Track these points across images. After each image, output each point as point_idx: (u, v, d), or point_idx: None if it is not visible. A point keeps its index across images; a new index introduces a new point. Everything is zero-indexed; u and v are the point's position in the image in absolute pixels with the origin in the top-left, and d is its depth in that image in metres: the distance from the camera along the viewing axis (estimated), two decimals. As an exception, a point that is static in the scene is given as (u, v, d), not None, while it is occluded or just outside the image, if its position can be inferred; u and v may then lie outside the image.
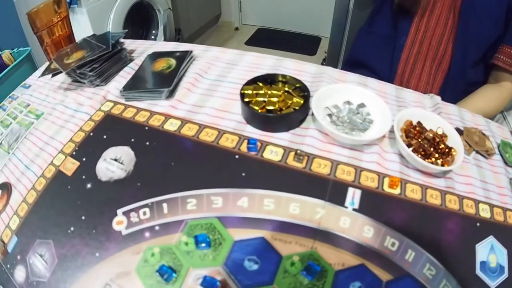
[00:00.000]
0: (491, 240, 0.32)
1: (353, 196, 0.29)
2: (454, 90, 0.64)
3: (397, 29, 0.64)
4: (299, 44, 1.91)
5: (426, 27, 0.62)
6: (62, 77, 0.49)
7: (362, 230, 0.27)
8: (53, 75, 0.47)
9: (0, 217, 0.35)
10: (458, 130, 0.40)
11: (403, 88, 0.43)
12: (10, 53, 0.79)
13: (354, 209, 0.28)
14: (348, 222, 0.27)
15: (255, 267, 0.24)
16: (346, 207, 0.28)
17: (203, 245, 0.25)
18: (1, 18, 1.20)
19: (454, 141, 0.35)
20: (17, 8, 1.26)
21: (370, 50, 0.70)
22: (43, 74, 0.48)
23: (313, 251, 0.25)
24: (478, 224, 0.32)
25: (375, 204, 0.29)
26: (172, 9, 1.58)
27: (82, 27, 1.10)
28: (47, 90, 0.50)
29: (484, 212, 0.33)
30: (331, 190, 0.29)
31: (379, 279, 0.25)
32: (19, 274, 0.31)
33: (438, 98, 0.43)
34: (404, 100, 0.40)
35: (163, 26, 1.49)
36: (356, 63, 0.71)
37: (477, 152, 0.39)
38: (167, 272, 0.24)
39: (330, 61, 0.95)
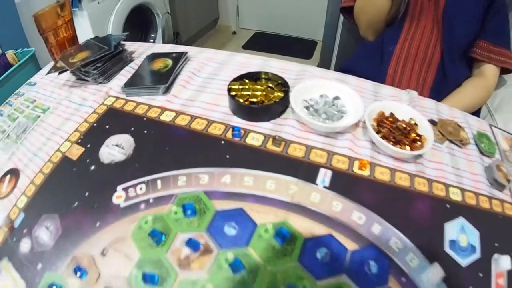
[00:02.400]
0: (461, 221, 0.35)
1: (324, 176, 0.34)
2: (446, 89, 0.69)
3: (385, 41, 0.71)
4: (296, 48, 1.99)
5: (413, 36, 0.70)
6: (67, 75, 0.56)
7: (331, 204, 0.32)
8: (60, 73, 0.53)
9: (8, 198, 0.41)
10: (432, 122, 0.45)
11: (382, 85, 0.48)
12: (14, 53, 0.84)
13: (324, 187, 0.33)
14: (318, 197, 0.32)
15: (233, 232, 0.29)
16: (317, 185, 0.33)
17: (189, 212, 0.30)
18: (3, 19, 1.29)
19: (425, 130, 0.39)
20: (18, 10, 1.35)
21: (358, 60, 0.78)
22: (49, 72, 0.54)
23: (285, 221, 0.30)
24: (447, 206, 0.35)
25: (344, 184, 0.34)
26: (171, 13, 1.67)
27: (83, 29, 1.18)
28: (52, 87, 0.56)
29: (455, 196, 0.36)
30: (304, 170, 0.34)
31: (345, 248, 0.29)
32: (24, 246, 0.36)
33: (415, 93, 0.48)
34: (381, 95, 0.45)
35: (162, 30, 1.57)
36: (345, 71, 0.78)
37: (451, 141, 0.43)
38: (157, 235, 0.29)
39: (322, 63, 1.01)
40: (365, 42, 0.79)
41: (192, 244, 0.28)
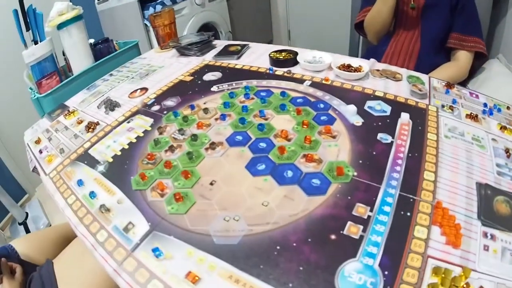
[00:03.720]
0: (379, 101, 0.64)
1: (308, 83, 0.74)
2: (424, 72, 0.94)
3: (380, 43, 1.08)
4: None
5: (400, 37, 1.03)
6: (171, 53, 1.03)
7: (308, 90, 0.72)
8: (174, 47, 1.01)
9: (141, 97, 0.80)
10: (378, 70, 0.80)
11: (354, 58, 0.88)
12: (115, 43, 1.23)
13: (306, 85, 0.73)
14: (303, 88, 0.73)
15: (264, 94, 0.71)
16: (303, 85, 0.74)
17: (247, 90, 0.73)
18: (89, 20, 1.75)
19: (365, 69, 0.77)
20: (100, 16, 1.95)
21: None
22: (165, 48, 1.04)
23: (285, 91, 0.71)
24: (371, 96, 0.66)
25: (317, 85, 0.74)
26: (232, 32, 2.19)
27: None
28: (162, 58, 1.01)
29: (379, 93, 0.67)
30: (299, 80, 0.76)
31: (310, 100, 0.68)
32: (154, 108, 0.73)
33: (373, 60, 0.84)
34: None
35: (224, 46, 2.09)
36: None
37: (387, 77, 0.77)
38: (231, 95, 0.72)
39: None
40: (370, 47, 1.16)
41: (247, 96, 0.71)
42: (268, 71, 0.82)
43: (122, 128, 0.70)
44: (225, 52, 0.96)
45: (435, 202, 0.44)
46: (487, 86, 1.01)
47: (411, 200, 0.45)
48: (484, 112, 0.64)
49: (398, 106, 0.63)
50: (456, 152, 0.53)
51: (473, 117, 0.61)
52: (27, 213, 1.66)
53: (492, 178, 0.49)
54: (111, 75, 1.04)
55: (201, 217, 0.47)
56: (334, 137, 0.57)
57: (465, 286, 0.36)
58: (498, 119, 0.63)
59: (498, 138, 0.57)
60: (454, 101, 0.66)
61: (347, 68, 0.78)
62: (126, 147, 0.64)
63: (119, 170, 0.58)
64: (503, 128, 0.60)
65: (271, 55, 0.86)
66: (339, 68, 0.77)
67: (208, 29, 2.10)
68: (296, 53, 0.85)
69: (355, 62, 0.80)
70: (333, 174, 0.50)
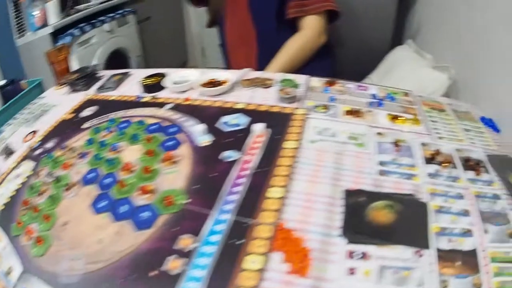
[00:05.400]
0: (238, 114, 0.66)
1: (168, 106, 0.78)
2: (270, 58, 0.88)
3: (218, 38, 1.06)
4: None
5: (232, 26, 0.96)
6: (67, 88, 1.04)
7: (166, 114, 0.75)
8: (64, 84, 1.03)
9: (31, 141, 0.87)
10: (246, 80, 0.84)
11: (225, 71, 0.90)
12: (25, 82, 1.18)
13: (168, 109, 0.76)
14: (162, 112, 0.76)
15: (122, 126, 0.74)
16: (162, 109, 0.77)
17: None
18: (7, 57, 1.83)
19: (231, 82, 0.80)
20: (19, 50, 1.92)
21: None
22: (60, 85, 1.05)
23: (144, 120, 0.74)
24: (230, 110, 0.69)
25: (179, 107, 0.77)
26: (144, 56, 2.19)
27: (74, 68, 1.62)
28: (57, 96, 1.01)
29: (240, 105, 0.69)
30: (160, 104, 0.79)
31: (162, 125, 0.71)
32: (39, 151, 0.75)
33: (249, 70, 0.86)
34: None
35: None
36: None
37: (256, 86, 0.78)
38: (97, 130, 0.74)
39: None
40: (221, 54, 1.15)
41: (108, 129, 0.74)
42: (136, 99, 0.85)
43: (12, 175, 0.72)
44: (108, 83, 0.98)
45: (277, 224, 0.42)
46: (393, 75, 1.07)
47: (244, 225, 0.43)
48: (371, 104, 0.63)
49: (258, 116, 0.64)
50: (321, 158, 0.51)
51: (353, 112, 0.61)
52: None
53: (369, 181, 0.45)
54: (15, 118, 1.03)
55: (54, 258, 0.49)
56: (175, 162, 0.61)
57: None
58: (389, 109, 0.63)
59: (385, 131, 0.56)
60: (331, 99, 0.66)
61: (210, 84, 0.81)
62: (15, 193, 0.65)
63: (7, 217, 0.60)
64: (394, 118, 0.59)
65: (141, 81, 0.88)
66: (202, 85, 0.80)
67: (119, 54, 2.08)
68: (163, 75, 0.88)
69: (222, 75, 0.83)
70: (162, 205, 0.50)
